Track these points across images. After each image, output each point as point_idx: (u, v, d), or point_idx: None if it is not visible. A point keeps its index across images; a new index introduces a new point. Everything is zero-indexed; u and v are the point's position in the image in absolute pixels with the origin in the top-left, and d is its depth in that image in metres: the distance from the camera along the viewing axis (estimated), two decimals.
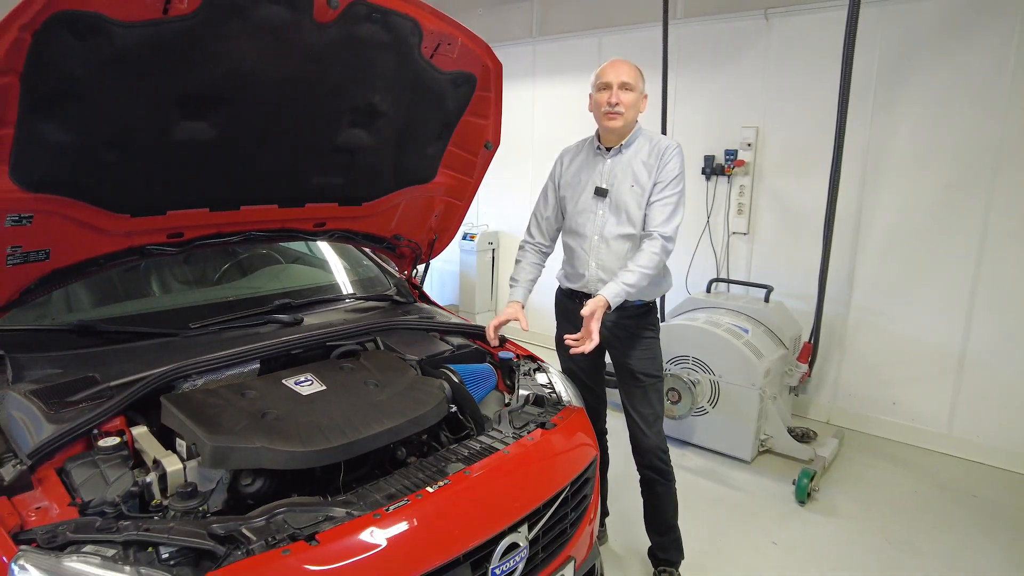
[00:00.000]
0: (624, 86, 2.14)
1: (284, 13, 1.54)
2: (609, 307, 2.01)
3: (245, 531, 1.27)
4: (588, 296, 2.26)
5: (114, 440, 1.47)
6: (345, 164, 2.10)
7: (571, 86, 5.05)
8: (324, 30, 1.64)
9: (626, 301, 2.13)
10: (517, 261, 2.43)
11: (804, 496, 3.07)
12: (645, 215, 2.18)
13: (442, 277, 5.99)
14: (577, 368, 2.41)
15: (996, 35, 3.32)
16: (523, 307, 2.28)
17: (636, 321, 2.26)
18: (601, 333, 2.26)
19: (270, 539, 1.25)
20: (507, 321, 2.19)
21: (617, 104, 2.13)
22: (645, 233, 2.18)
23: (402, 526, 1.33)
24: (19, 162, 1.42)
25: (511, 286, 2.38)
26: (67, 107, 1.41)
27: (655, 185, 2.16)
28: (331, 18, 1.63)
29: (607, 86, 2.15)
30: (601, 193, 2.21)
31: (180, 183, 1.77)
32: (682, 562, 2.43)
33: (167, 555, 1.21)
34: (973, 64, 3.40)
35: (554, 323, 2.52)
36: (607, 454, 2.61)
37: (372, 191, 2.30)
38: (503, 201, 5.62)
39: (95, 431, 1.49)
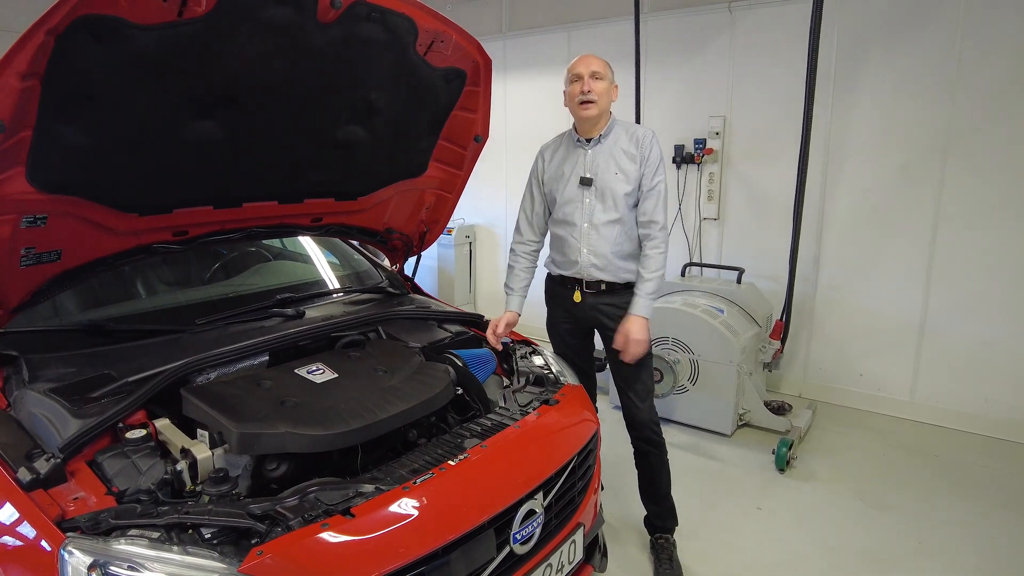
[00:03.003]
0: (595, 75, 2.23)
1: (290, 14, 1.59)
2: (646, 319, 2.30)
3: (281, 510, 1.34)
4: (579, 281, 2.37)
5: (141, 432, 1.51)
6: (342, 160, 2.15)
7: (542, 80, 5.14)
8: (326, 30, 1.70)
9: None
10: (510, 267, 2.51)
11: (783, 464, 3.25)
12: (638, 206, 2.31)
13: (420, 271, 6.03)
14: (570, 351, 2.52)
15: (943, 26, 3.53)
16: (519, 315, 2.40)
17: (626, 300, 2.38)
18: (594, 315, 2.39)
19: (307, 515, 1.32)
20: (505, 330, 2.33)
21: (590, 92, 2.23)
22: (643, 232, 2.32)
23: (430, 497, 1.41)
24: (36, 164, 1.45)
25: (507, 294, 2.47)
26: (84, 109, 1.44)
27: (643, 176, 2.28)
28: (333, 18, 1.68)
29: (579, 77, 2.25)
30: (586, 183, 2.31)
31: (187, 182, 1.81)
32: (676, 529, 2.56)
33: (209, 535, 1.27)
34: (922, 54, 3.61)
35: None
36: (599, 432, 2.72)
37: (367, 185, 2.36)
38: (479, 195, 5.69)
39: (120, 424, 1.53)
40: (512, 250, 2.53)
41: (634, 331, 2.25)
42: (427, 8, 1.88)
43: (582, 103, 2.25)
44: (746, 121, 4.26)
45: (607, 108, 2.30)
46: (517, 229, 2.52)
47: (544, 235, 2.52)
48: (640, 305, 2.27)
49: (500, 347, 2.28)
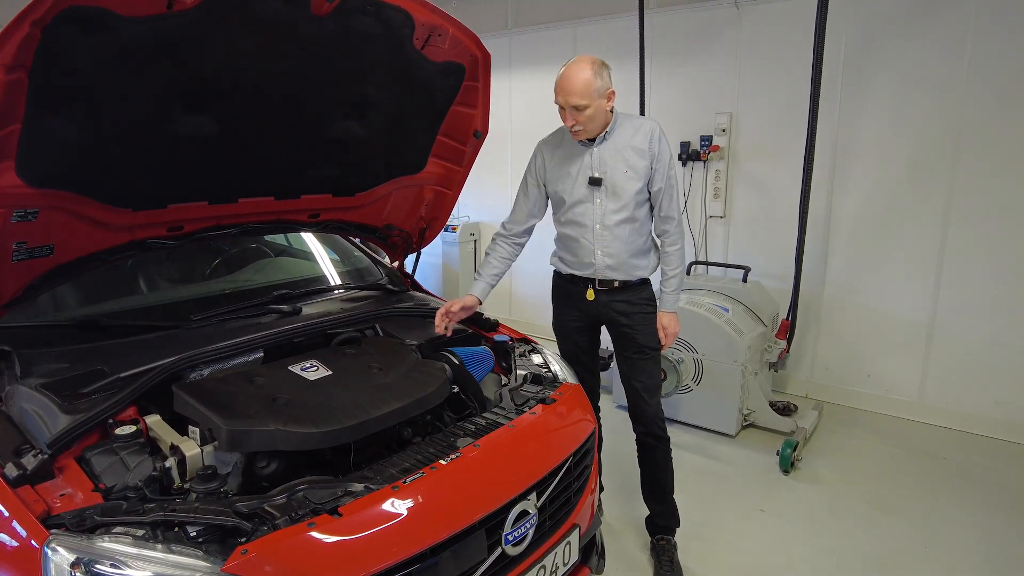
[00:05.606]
0: (576, 108, 2.10)
1: (282, 6, 1.57)
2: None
3: (268, 508, 1.32)
4: (591, 280, 2.34)
5: (130, 428, 1.50)
6: (339, 155, 2.13)
7: (547, 77, 5.03)
8: (320, 23, 1.68)
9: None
10: (487, 254, 2.44)
11: (788, 466, 3.20)
12: (653, 204, 2.30)
13: (424, 269, 6.01)
14: (578, 349, 2.49)
15: (953, 22, 3.47)
16: (479, 302, 2.29)
17: (639, 296, 2.36)
18: (606, 312, 2.36)
19: (294, 514, 1.30)
20: (459, 314, 2.18)
21: (575, 124, 2.15)
22: (660, 228, 2.35)
23: (420, 497, 1.39)
24: (25, 158, 1.43)
25: (475, 279, 2.39)
26: (74, 103, 1.43)
27: (654, 172, 2.24)
28: (327, 11, 1.66)
29: (561, 108, 2.15)
30: (596, 182, 2.25)
31: (181, 176, 1.80)
32: (677, 530, 2.53)
33: (194, 533, 1.25)
34: (933, 51, 3.54)
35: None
36: (600, 432, 2.69)
37: (365, 181, 2.34)
38: (483, 192, 5.66)
39: (110, 420, 1.52)
40: (497, 237, 2.44)
41: (671, 325, 2.38)
42: (423, 1, 1.85)
43: (571, 131, 2.19)
44: (753, 118, 4.21)
45: (602, 121, 2.20)
46: (511, 220, 2.42)
47: (530, 232, 2.46)
48: (669, 302, 2.38)
49: (447, 333, 2.16)
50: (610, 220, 2.26)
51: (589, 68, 2.09)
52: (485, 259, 2.44)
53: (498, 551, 1.50)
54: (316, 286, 2.49)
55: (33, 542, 1.20)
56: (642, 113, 4.27)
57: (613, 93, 2.18)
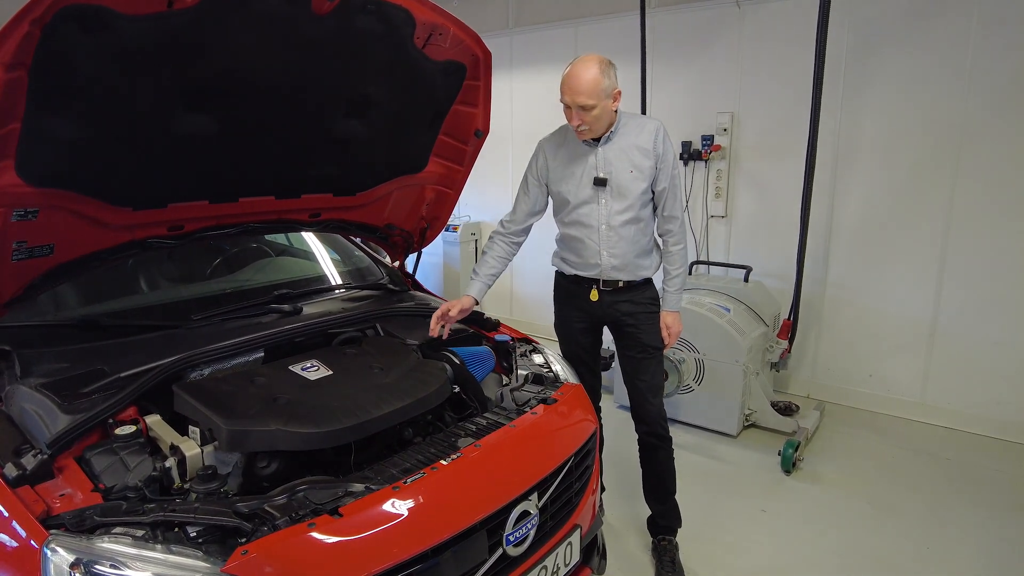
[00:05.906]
0: (582, 108, 2.07)
1: (283, 5, 1.57)
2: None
3: (268, 508, 1.31)
4: (596, 280, 2.33)
5: (130, 428, 1.50)
6: (340, 154, 2.13)
7: (548, 76, 5.09)
8: (321, 22, 1.67)
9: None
10: (484, 252, 2.42)
11: (789, 466, 3.20)
12: (656, 204, 2.29)
13: (424, 269, 6.00)
14: (580, 349, 2.48)
15: (955, 19, 3.45)
16: (476, 303, 2.26)
17: (643, 296, 2.35)
18: (611, 312, 2.35)
19: (294, 515, 1.30)
20: (455, 316, 2.14)
21: (580, 123, 2.12)
22: (664, 228, 2.33)
23: (421, 497, 1.38)
24: (25, 157, 1.43)
25: (471, 278, 2.37)
26: (74, 102, 1.42)
27: (659, 172, 2.22)
28: (328, 10, 1.66)
29: (567, 107, 2.12)
30: (601, 183, 2.23)
31: (181, 175, 1.79)
32: (679, 530, 2.52)
33: (194, 534, 1.25)
34: (935, 47, 3.53)
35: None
36: (601, 432, 2.68)
37: (366, 181, 2.33)
38: (484, 192, 5.66)
39: (110, 420, 1.51)
40: (491, 237, 2.41)
41: (674, 325, 2.39)
42: (424, 0, 1.85)
43: (576, 130, 2.17)
44: (755, 117, 4.20)
45: (608, 120, 2.17)
46: (511, 219, 2.39)
47: (528, 232, 2.43)
48: (672, 301, 2.38)
49: (443, 336, 2.14)
50: (616, 221, 2.25)
51: (596, 67, 2.07)
52: (482, 258, 2.42)
53: (499, 552, 1.50)
54: (317, 286, 2.49)
55: (33, 542, 1.20)
56: (643, 112, 4.27)
57: (619, 93, 2.16)
